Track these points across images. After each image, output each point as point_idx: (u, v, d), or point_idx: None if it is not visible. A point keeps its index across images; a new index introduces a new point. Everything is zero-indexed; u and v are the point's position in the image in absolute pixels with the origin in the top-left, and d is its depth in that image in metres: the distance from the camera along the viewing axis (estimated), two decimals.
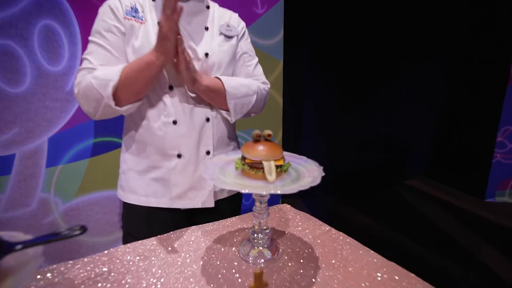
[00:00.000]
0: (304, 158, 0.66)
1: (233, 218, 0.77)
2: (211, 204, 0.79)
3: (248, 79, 0.83)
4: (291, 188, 0.51)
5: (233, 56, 0.81)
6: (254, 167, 0.55)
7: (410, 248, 1.88)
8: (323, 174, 0.57)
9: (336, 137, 2.73)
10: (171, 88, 0.74)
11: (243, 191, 0.49)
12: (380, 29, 2.61)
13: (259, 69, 0.88)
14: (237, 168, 0.58)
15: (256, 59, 0.88)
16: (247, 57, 0.84)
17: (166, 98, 0.74)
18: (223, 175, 0.56)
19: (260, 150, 0.56)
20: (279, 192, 0.49)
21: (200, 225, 0.74)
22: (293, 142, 2.60)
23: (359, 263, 0.60)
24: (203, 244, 0.65)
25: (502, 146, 2.43)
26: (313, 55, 2.54)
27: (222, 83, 0.75)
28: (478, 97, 2.66)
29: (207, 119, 0.77)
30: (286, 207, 0.86)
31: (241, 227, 0.73)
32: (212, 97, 0.76)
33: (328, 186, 2.57)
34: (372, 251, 0.64)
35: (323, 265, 0.59)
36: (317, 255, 0.63)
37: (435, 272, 1.63)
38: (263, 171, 0.54)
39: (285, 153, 0.68)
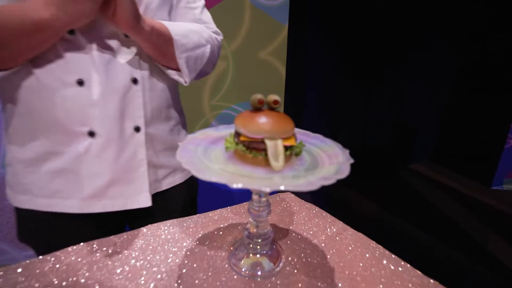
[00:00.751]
0: (320, 136, 0.50)
1: (222, 211, 0.64)
2: (146, 202, 0.61)
3: (196, 24, 0.66)
4: (309, 181, 0.35)
5: None
6: (252, 148, 0.40)
7: (413, 236, 1.80)
8: (352, 160, 0.41)
9: (341, 117, 2.60)
10: (72, 32, 0.51)
11: (234, 186, 0.32)
12: (396, 5, 2.40)
13: (207, 14, 0.70)
14: (227, 148, 0.42)
15: (202, 1, 0.69)
16: None
17: (65, 46, 0.51)
18: (208, 159, 0.42)
19: (263, 123, 0.40)
20: (290, 189, 0.33)
21: (178, 219, 0.59)
22: (293, 119, 2.47)
23: (388, 280, 0.44)
24: (174, 248, 0.51)
25: None
26: (320, 23, 2.34)
27: (167, 27, 0.57)
28: (492, 80, 2.52)
29: (134, 81, 0.57)
30: (289, 196, 0.73)
31: (234, 222, 0.60)
32: (157, 47, 0.57)
33: None
34: (409, 265, 0.48)
35: (340, 282, 0.45)
36: (331, 265, 0.49)
37: (439, 263, 1.55)
38: (266, 154, 0.40)
39: (295, 129, 0.52)
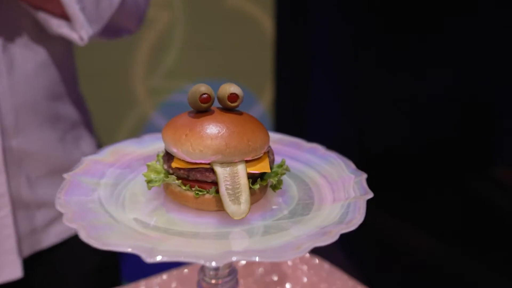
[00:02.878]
0: (320, 149, 0.49)
1: (162, 279, 0.63)
2: (13, 273, 0.59)
3: None
4: (291, 242, 0.33)
5: None
6: (193, 181, 0.39)
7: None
8: (370, 194, 0.40)
9: (369, 100, 2.62)
10: None
11: (156, 259, 0.30)
12: None
13: None
14: (150, 182, 0.40)
15: None
16: None
17: None
18: (117, 202, 0.39)
19: (210, 137, 0.38)
20: (256, 259, 0.31)
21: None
22: (292, 110, 2.46)
23: None
24: None
25: None
26: None
27: None
28: None
29: None
30: None
31: None
32: None
33: None
34: None
35: None
36: None
37: None
38: (217, 191, 0.38)
39: (276, 136, 0.52)
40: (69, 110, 0.66)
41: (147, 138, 0.51)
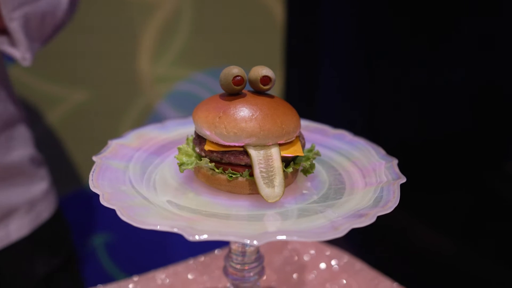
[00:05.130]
0: (347, 135, 0.51)
1: (180, 266, 0.65)
2: None
3: None
4: (329, 222, 0.35)
5: None
6: (227, 164, 0.40)
7: None
8: (403, 178, 0.41)
9: (384, 90, 2.63)
10: None
11: (196, 238, 0.31)
12: None
13: None
14: (183, 165, 0.41)
15: None
16: None
17: None
18: (148, 185, 0.41)
19: (244, 120, 0.39)
20: (296, 238, 0.32)
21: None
22: (302, 97, 2.48)
23: None
24: None
25: None
26: None
27: None
28: None
29: None
30: None
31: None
32: None
33: None
34: None
35: None
36: None
37: None
38: (251, 174, 0.39)
39: (302, 122, 0.52)
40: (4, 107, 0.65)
41: (170, 123, 0.53)
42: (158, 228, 0.33)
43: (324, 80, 2.63)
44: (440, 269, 2.00)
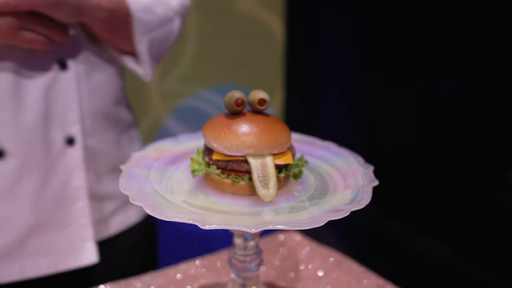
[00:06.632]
0: (332, 146, 0.60)
1: (188, 265, 0.71)
2: (90, 258, 0.69)
3: None
4: (312, 217, 0.44)
5: None
6: (231, 171, 0.49)
7: None
8: (376, 182, 0.50)
9: (382, 103, 2.65)
10: None
11: (207, 227, 0.40)
12: None
13: None
14: (195, 172, 0.50)
15: None
16: None
17: None
18: (166, 188, 0.50)
19: (244, 134, 0.48)
20: (284, 227, 0.41)
21: (121, 282, 0.66)
22: (302, 113, 2.52)
23: None
24: None
25: None
26: None
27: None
28: None
29: (62, 65, 0.65)
30: (294, 238, 0.81)
31: (208, 282, 0.67)
32: (111, 31, 0.68)
33: None
34: None
35: None
36: None
37: None
38: (250, 179, 0.47)
39: (294, 136, 0.61)
40: (124, 114, 0.77)
41: (182, 137, 0.61)
42: (176, 219, 0.41)
43: (322, 97, 2.68)
44: (442, 277, 2.04)
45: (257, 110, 0.50)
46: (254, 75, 1.66)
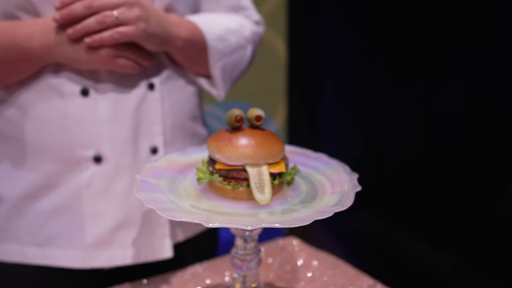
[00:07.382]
0: (323, 157, 0.66)
1: (197, 267, 0.78)
2: (166, 252, 0.77)
3: (233, 16, 0.85)
4: (300, 217, 0.50)
5: None
6: (231, 178, 0.55)
7: None
8: (359, 188, 0.55)
9: (384, 116, 2.67)
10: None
11: (210, 225, 0.47)
12: None
13: None
14: (200, 180, 0.57)
15: None
16: None
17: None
18: (175, 194, 0.56)
19: (242, 146, 0.54)
20: (277, 225, 0.48)
21: (135, 282, 0.73)
22: (305, 127, 2.56)
23: None
24: None
25: None
26: None
27: (201, 30, 0.76)
28: None
29: (150, 86, 0.74)
30: (292, 243, 0.86)
31: (212, 283, 0.72)
32: (189, 58, 0.77)
33: (368, 197, 2.54)
34: None
35: None
36: None
37: None
38: (248, 185, 0.53)
39: (289, 148, 0.67)
40: (200, 129, 0.85)
41: (190, 150, 0.69)
42: (184, 219, 0.48)
43: (323, 113, 2.71)
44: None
45: (254, 125, 0.58)
46: (258, 92, 1.71)
